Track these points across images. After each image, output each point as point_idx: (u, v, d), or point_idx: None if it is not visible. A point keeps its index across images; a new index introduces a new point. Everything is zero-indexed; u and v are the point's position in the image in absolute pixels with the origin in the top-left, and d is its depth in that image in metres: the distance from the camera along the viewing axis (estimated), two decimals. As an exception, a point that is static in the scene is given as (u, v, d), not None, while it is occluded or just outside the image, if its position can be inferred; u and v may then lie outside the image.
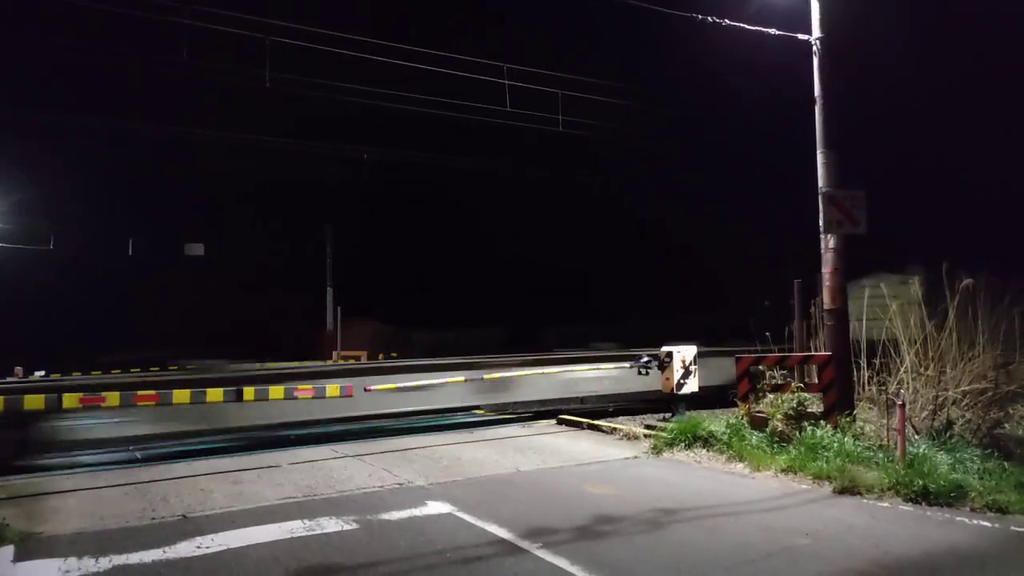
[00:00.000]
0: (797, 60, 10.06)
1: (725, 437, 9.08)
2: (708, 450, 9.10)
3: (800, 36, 9.94)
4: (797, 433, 8.64)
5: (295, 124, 25.74)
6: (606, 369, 15.45)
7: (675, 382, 11.34)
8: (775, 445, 8.62)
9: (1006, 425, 8.40)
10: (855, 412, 9.01)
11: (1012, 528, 6.03)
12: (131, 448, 11.08)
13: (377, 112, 18.47)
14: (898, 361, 9.07)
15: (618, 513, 6.50)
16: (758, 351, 10.28)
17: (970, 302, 8.84)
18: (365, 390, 11.75)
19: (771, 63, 12.86)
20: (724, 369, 13.36)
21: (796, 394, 9.05)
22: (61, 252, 25.86)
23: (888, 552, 5.41)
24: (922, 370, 8.86)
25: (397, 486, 7.81)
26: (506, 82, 14.21)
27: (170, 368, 21.33)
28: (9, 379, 20.49)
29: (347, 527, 6.24)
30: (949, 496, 6.65)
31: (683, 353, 11.45)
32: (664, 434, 9.68)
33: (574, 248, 33.18)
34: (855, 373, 9.42)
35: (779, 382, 9.47)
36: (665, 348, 11.58)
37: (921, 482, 6.80)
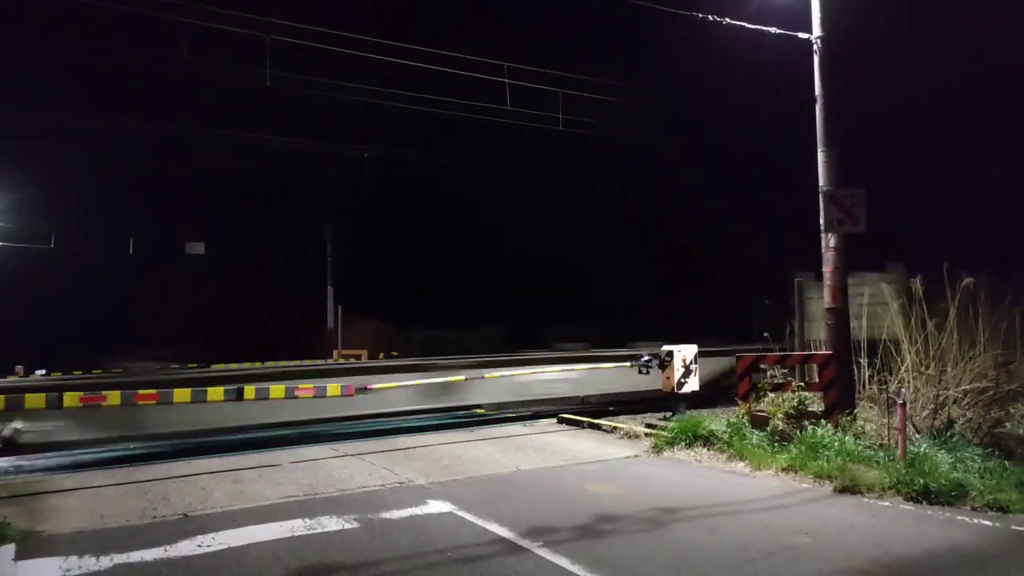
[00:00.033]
0: (798, 59, 10.06)
1: (726, 436, 9.08)
2: (709, 449, 9.10)
3: (801, 35, 9.94)
4: (798, 432, 8.64)
5: (296, 123, 25.73)
6: (555, 372, 14.95)
7: (676, 381, 11.34)
8: (776, 444, 8.62)
9: (1007, 424, 8.40)
10: (856, 411, 9.01)
11: (1013, 527, 6.03)
12: (131, 446, 11.08)
13: (377, 111, 18.48)
14: (899, 360, 9.07)
15: (619, 512, 6.50)
16: (759, 350, 10.29)
17: (971, 301, 8.84)
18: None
19: (772, 62, 12.86)
20: (709, 367, 13.47)
21: (797, 393, 9.05)
22: (62, 251, 25.88)
23: (889, 551, 5.41)
24: (923, 369, 8.86)
25: (398, 485, 7.81)
26: (506, 81, 14.21)
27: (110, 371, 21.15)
28: (10, 378, 20.54)
29: (348, 526, 6.24)
30: (950, 495, 6.65)
31: (684, 352, 11.45)
32: (665, 433, 9.68)
33: (575, 247, 33.19)
34: (856, 372, 9.42)
35: (780, 381, 9.48)
36: (666, 347, 11.58)
37: (922, 481, 6.80)
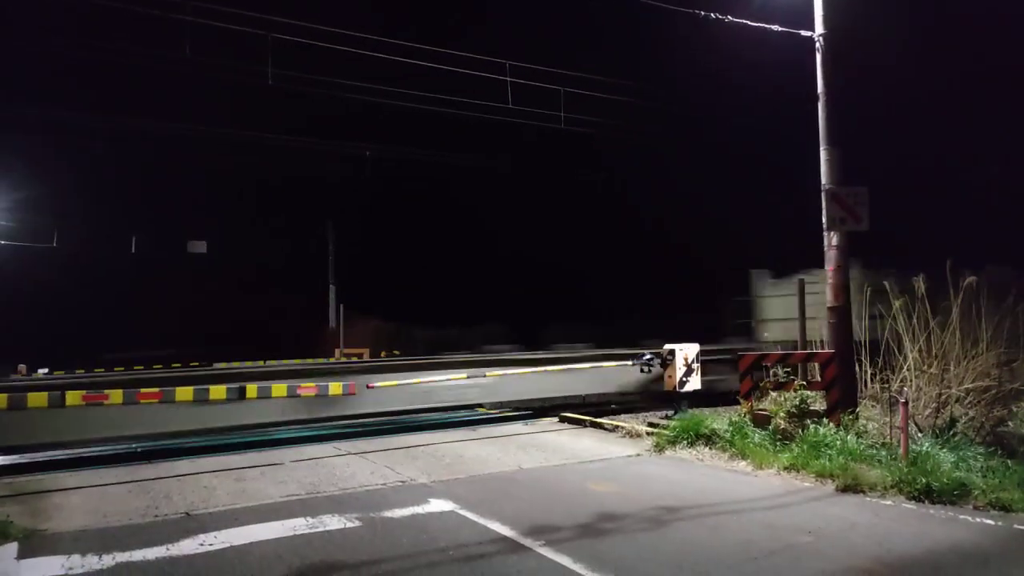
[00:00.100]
0: (800, 57, 10.05)
1: (728, 435, 9.08)
2: (711, 448, 9.10)
3: (803, 32, 9.93)
4: (800, 431, 8.64)
5: (297, 121, 25.74)
6: (457, 378, 14.21)
7: (677, 380, 11.34)
8: (778, 443, 8.61)
9: (1009, 423, 8.39)
10: (858, 410, 9.00)
11: (1015, 526, 6.02)
12: (134, 446, 11.09)
13: (379, 109, 18.46)
14: (901, 359, 9.06)
15: (621, 511, 6.50)
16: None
17: (973, 300, 8.83)
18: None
19: (774, 60, 12.84)
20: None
21: (799, 392, 9.05)
22: (64, 250, 25.90)
23: (891, 550, 5.41)
24: (925, 368, 8.85)
25: (400, 484, 7.82)
26: (508, 79, 14.20)
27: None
28: (13, 377, 20.56)
29: (350, 524, 6.24)
30: (952, 494, 6.64)
31: (685, 351, 11.46)
32: (667, 432, 9.68)
33: (575, 246, 33.16)
34: (858, 371, 9.41)
35: (782, 380, 9.48)
36: (667, 346, 11.58)
37: (924, 480, 6.80)
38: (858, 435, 8.34)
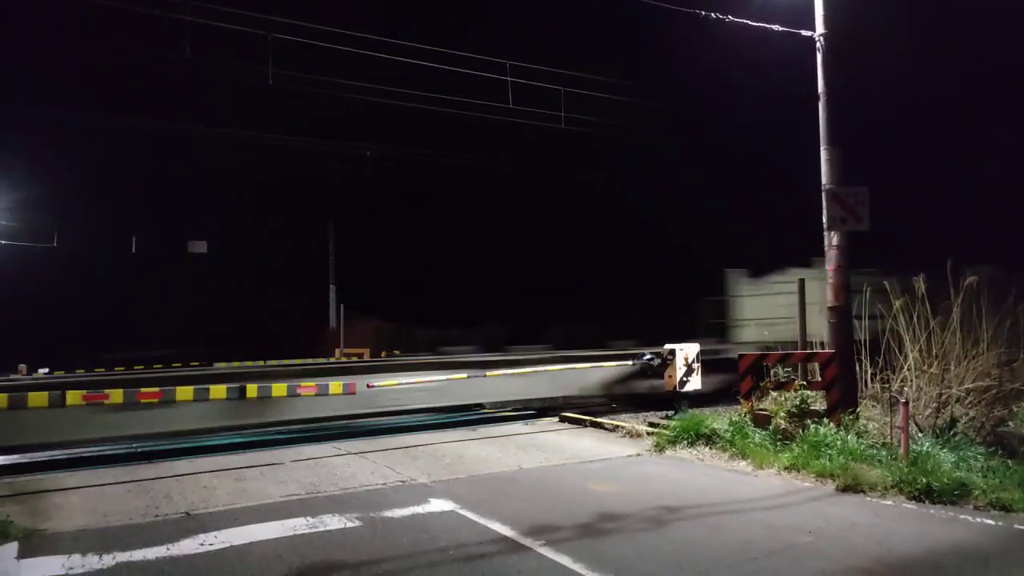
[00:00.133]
0: (800, 57, 10.05)
1: (728, 435, 9.07)
2: (711, 448, 9.09)
3: (804, 32, 9.92)
4: (800, 431, 8.64)
5: (298, 121, 25.74)
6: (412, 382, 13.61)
7: (678, 380, 11.34)
8: (778, 443, 8.61)
9: (1010, 423, 8.39)
10: (858, 410, 9.00)
11: (1015, 526, 6.02)
12: (134, 446, 11.09)
13: (380, 109, 18.47)
14: (901, 359, 9.06)
15: (621, 511, 6.49)
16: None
17: (974, 299, 8.82)
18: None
19: (774, 60, 12.84)
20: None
21: (799, 392, 9.05)
22: (64, 249, 25.91)
23: (891, 550, 5.40)
24: (925, 367, 8.84)
25: (400, 483, 7.82)
26: (508, 79, 14.19)
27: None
28: (13, 376, 20.56)
29: (350, 524, 6.24)
30: (953, 494, 6.64)
31: (686, 351, 11.45)
32: (667, 432, 9.68)
33: (576, 246, 33.16)
34: (858, 371, 9.41)
35: (782, 379, 9.47)
36: (668, 346, 11.58)
37: (925, 480, 6.79)
38: (858, 435, 8.34)
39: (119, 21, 13.11)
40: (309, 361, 22.98)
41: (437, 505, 6.83)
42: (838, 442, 8.02)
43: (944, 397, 8.59)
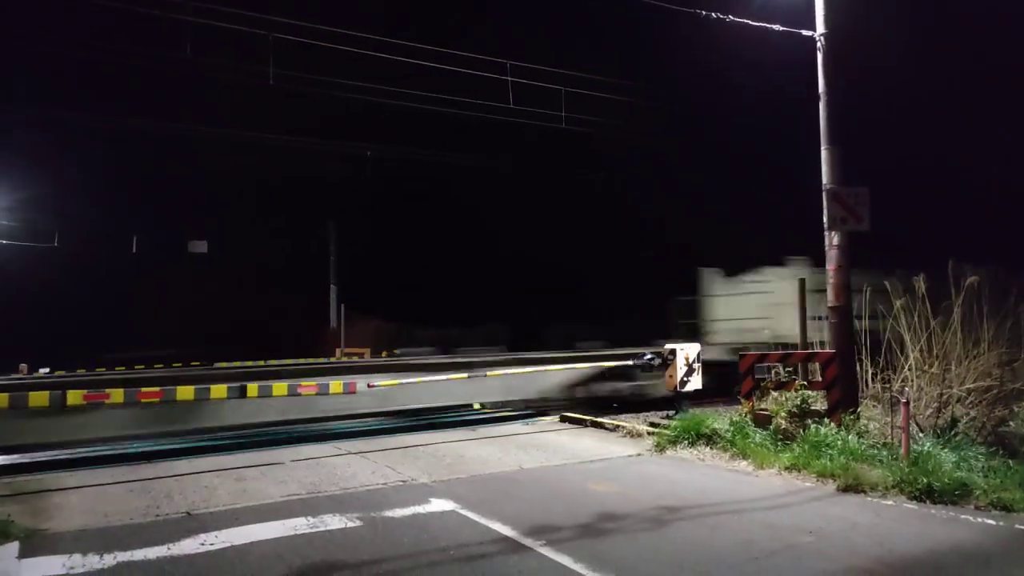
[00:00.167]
0: (801, 57, 10.05)
1: (728, 435, 9.07)
2: (711, 448, 9.09)
3: (804, 32, 9.92)
4: (801, 431, 8.64)
5: (298, 121, 25.73)
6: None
7: (678, 380, 11.34)
8: (779, 443, 8.61)
9: (1011, 423, 8.38)
10: (859, 410, 9.00)
11: (1016, 526, 6.02)
12: (135, 445, 11.09)
13: (380, 109, 18.46)
14: (902, 358, 9.05)
15: (621, 511, 6.49)
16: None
17: (975, 299, 8.82)
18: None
19: (774, 59, 12.83)
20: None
21: (800, 392, 9.05)
22: (65, 249, 25.90)
23: (892, 550, 5.40)
24: (926, 367, 8.84)
25: (401, 483, 7.82)
26: (509, 79, 14.19)
27: None
28: (14, 376, 20.55)
29: (351, 524, 6.24)
30: (953, 494, 6.64)
31: (686, 351, 11.45)
32: (667, 432, 9.68)
33: (576, 246, 33.16)
34: (859, 370, 9.40)
35: (783, 379, 9.47)
36: (668, 345, 11.58)
37: (925, 480, 6.79)
38: (859, 435, 8.34)
39: (119, 21, 13.12)
40: (273, 363, 22.62)
41: (438, 505, 6.83)
42: (839, 442, 8.02)
43: (945, 397, 8.59)
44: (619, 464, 8.77)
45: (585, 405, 13.09)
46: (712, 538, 5.75)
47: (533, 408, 13.59)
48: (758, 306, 14.66)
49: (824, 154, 9.66)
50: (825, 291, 9.57)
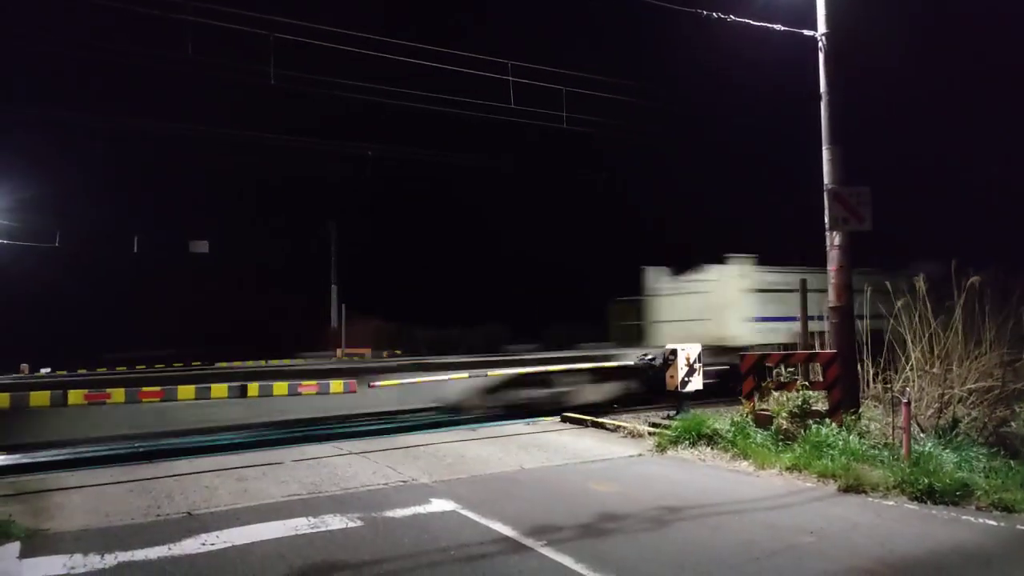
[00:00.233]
0: (802, 57, 10.05)
1: (729, 435, 9.06)
2: (712, 448, 9.08)
3: (806, 32, 9.91)
4: (802, 431, 8.63)
5: (299, 121, 25.77)
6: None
7: (679, 380, 11.33)
8: (780, 443, 8.60)
9: (1012, 423, 8.37)
10: (860, 410, 8.99)
11: (1018, 527, 6.01)
12: (135, 444, 11.09)
13: (381, 109, 18.47)
14: (903, 359, 9.04)
15: (622, 511, 6.49)
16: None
17: (976, 300, 8.80)
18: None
19: (775, 59, 12.83)
20: None
21: (801, 392, 9.04)
22: (66, 249, 25.91)
23: (893, 551, 5.40)
24: (928, 368, 8.83)
25: (401, 483, 7.81)
26: (510, 79, 14.18)
27: None
28: (15, 375, 20.58)
29: (351, 524, 6.24)
30: (955, 495, 6.63)
31: (687, 351, 11.45)
32: (668, 432, 9.67)
33: (577, 246, 33.17)
34: (860, 371, 9.40)
35: (784, 379, 9.47)
36: (669, 346, 11.58)
37: (927, 480, 6.78)
38: (860, 435, 8.33)
39: (121, 21, 13.12)
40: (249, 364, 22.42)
41: (439, 505, 6.83)
42: (840, 442, 8.01)
43: (946, 397, 8.58)
44: (620, 464, 8.76)
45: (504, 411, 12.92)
46: (713, 538, 5.74)
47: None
48: (697, 307, 14.36)
49: (825, 154, 9.65)
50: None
